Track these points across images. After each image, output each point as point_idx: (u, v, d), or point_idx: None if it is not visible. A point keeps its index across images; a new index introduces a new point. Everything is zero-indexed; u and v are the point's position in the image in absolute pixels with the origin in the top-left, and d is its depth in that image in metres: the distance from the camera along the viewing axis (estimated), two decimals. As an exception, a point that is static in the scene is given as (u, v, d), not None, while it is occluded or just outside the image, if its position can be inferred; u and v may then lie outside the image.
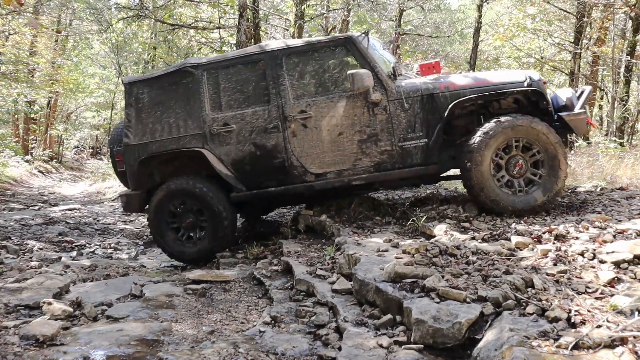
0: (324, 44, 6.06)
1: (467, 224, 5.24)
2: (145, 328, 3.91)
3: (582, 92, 5.92)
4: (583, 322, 2.86)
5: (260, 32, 12.91)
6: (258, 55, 6.12)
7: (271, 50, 6.10)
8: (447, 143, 5.93)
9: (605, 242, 4.22)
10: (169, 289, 5.02)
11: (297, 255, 5.43)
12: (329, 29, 15.25)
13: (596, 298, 3.26)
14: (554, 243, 4.34)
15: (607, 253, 3.91)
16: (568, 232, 4.59)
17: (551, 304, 3.11)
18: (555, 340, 2.69)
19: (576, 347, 2.60)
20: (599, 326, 2.77)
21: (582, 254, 4.00)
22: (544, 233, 4.61)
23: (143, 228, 9.90)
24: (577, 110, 5.68)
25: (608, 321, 2.82)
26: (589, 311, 2.99)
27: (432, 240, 4.75)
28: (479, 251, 4.29)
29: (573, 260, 3.93)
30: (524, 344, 2.67)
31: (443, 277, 3.69)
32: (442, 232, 5.02)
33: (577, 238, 4.45)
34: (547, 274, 3.67)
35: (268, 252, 6.06)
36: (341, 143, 5.93)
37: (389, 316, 3.55)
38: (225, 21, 15.01)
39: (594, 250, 4.02)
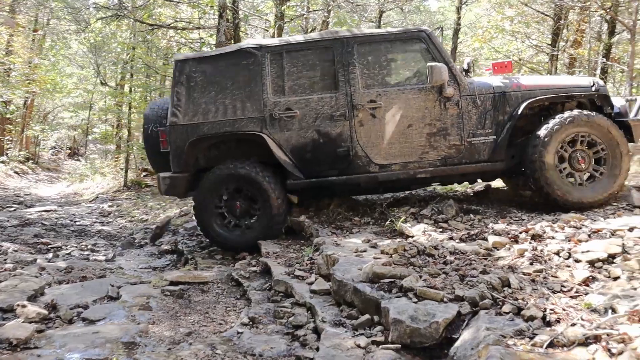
0: (398, 35, 6.09)
1: (445, 225, 5.28)
2: (122, 330, 3.86)
3: (635, 100, 6.16)
4: (558, 321, 2.89)
5: (240, 33, 12.87)
6: (328, 42, 6.07)
7: (343, 37, 6.06)
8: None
9: (580, 241, 4.27)
10: (146, 290, 4.97)
11: (275, 256, 5.41)
12: (309, 30, 15.24)
13: (571, 297, 3.29)
14: (530, 243, 4.39)
15: (582, 252, 3.97)
16: (544, 232, 4.64)
17: (527, 303, 3.13)
18: (531, 338, 2.71)
19: (551, 345, 2.62)
20: (573, 324, 2.80)
21: (557, 254, 4.05)
22: (520, 233, 4.66)
23: (121, 229, 9.82)
24: (635, 117, 5.93)
25: (582, 319, 2.85)
26: (563, 310, 3.02)
27: (410, 240, 4.76)
28: (457, 251, 4.32)
29: (549, 259, 3.98)
30: (500, 343, 2.68)
31: (421, 277, 3.70)
32: (420, 233, 5.04)
33: (553, 238, 4.51)
34: (524, 274, 3.70)
35: (247, 253, 6.03)
36: (409, 135, 5.94)
37: (367, 316, 3.56)
38: (205, 22, 14.93)
39: (570, 249, 4.07)
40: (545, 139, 5.61)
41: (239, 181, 6.01)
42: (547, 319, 2.93)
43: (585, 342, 2.60)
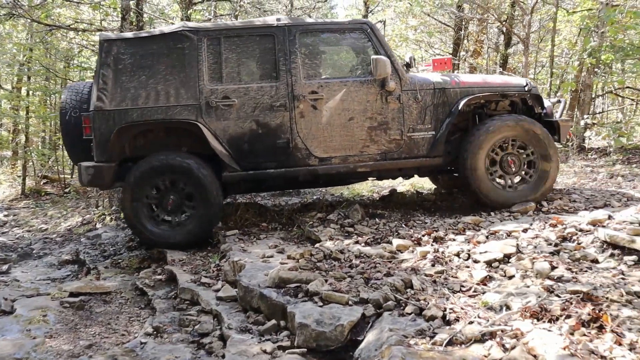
0: (341, 26, 6.02)
1: (351, 229, 5.35)
2: (15, 346, 3.66)
3: (558, 102, 6.47)
4: (457, 319, 2.99)
5: (145, 36, 12.55)
6: (270, 28, 5.84)
7: (285, 25, 5.86)
8: None
9: (479, 242, 4.45)
10: (43, 303, 4.73)
11: (181, 263, 5.31)
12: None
13: (470, 296, 3.42)
14: (432, 245, 4.53)
15: (481, 253, 4.14)
16: (446, 234, 4.81)
17: (428, 304, 3.23)
18: (431, 337, 2.80)
19: (450, 343, 2.71)
20: (471, 322, 2.91)
21: (458, 255, 4.20)
22: (423, 236, 4.80)
23: (18, 240, 9.31)
24: (562, 118, 6.19)
25: (479, 317, 2.97)
26: (462, 309, 3.13)
27: (317, 245, 4.80)
28: (362, 255, 4.40)
29: (450, 260, 4.12)
30: (402, 343, 2.75)
31: (326, 281, 3.74)
32: (327, 237, 5.09)
33: (454, 240, 4.68)
34: (426, 275, 3.82)
35: (152, 261, 5.87)
36: (350, 128, 5.87)
37: (273, 322, 3.55)
38: (108, 24, 14.45)
39: (469, 250, 4.24)
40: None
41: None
42: (447, 318, 3.03)
43: (481, 339, 2.71)
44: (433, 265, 4.03)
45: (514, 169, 5.93)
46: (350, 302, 3.41)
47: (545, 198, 5.93)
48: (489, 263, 3.98)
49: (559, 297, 3.16)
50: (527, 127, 5.87)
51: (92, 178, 5.81)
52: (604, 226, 4.61)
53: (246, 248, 5.10)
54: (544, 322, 2.81)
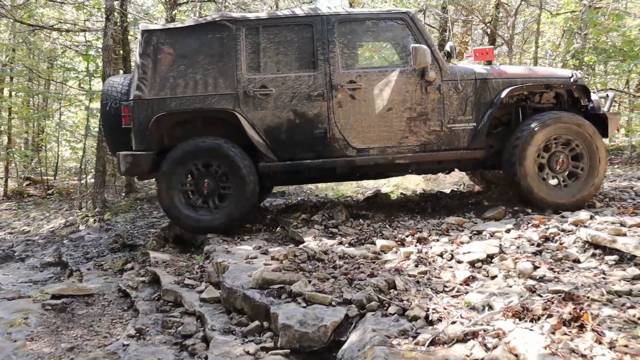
0: (381, 16, 5.96)
1: (335, 230, 5.35)
2: (-4, 348, 3.62)
3: (607, 96, 6.32)
4: (440, 320, 3.00)
5: (129, 37, 12.50)
6: (308, 18, 5.82)
7: (324, 15, 5.83)
8: None
9: (462, 243, 4.48)
10: (25, 305, 4.69)
11: (165, 265, 5.28)
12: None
13: (453, 296, 3.43)
14: (416, 246, 4.54)
15: (464, 253, 4.16)
16: (429, 235, 4.82)
17: (411, 304, 3.23)
18: (414, 337, 2.80)
19: (433, 343, 2.71)
20: (453, 322, 2.92)
21: (441, 255, 4.22)
22: (407, 236, 4.82)
23: (-1, 242, 9.21)
24: (610, 111, 6.02)
25: (462, 317, 2.98)
26: (445, 309, 3.14)
27: (301, 246, 4.79)
28: (346, 255, 4.39)
29: (433, 261, 4.14)
30: (385, 343, 2.75)
31: (310, 282, 3.73)
32: (311, 238, 5.08)
33: (437, 240, 4.70)
34: (409, 275, 3.82)
35: (135, 263, 5.84)
36: (389, 119, 5.78)
37: (257, 323, 3.53)
38: (92, 24, 14.37)
39: (452, 251, 4.25)
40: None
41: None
42: (430, 318, 3.03)
43: (464, 339, 2.71)
44: (416, 266, 4.03)
45: (562, 168, 5.74)
46: (333, 303, 3.40)
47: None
48: (472, 263, 4.00)
49: (541, 296, 3.19)
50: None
51: (130, 166, 5.77)
52: (586, 226, 4.66)
53: (230, 249, 5.08)
54: (525, 321, 2.83)
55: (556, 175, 5.75)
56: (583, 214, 5.00)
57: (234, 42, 5.74)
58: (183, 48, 5.78)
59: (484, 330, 2.75)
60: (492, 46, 6.49)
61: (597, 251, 4.15)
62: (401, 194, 7.47)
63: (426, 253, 4.29)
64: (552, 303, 3.00)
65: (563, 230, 4.71)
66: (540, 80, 6.01)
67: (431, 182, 7.74)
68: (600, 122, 5.87)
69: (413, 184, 7.85)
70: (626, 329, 2.73)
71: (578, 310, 2.85)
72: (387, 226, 5.29)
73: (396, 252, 4.44)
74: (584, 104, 6.04)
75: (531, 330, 2.69)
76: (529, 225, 4.97)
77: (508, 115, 6.13)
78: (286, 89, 5.71)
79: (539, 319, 2.83)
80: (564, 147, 5.72)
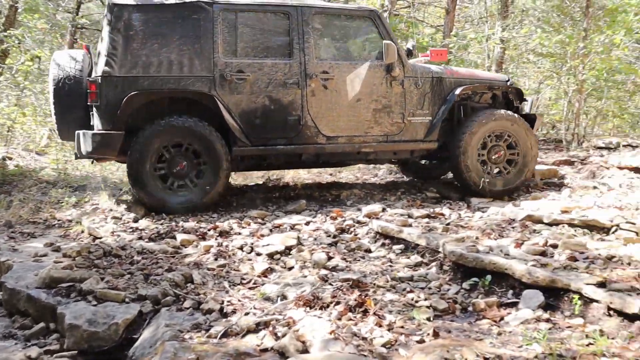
0: (351, 11, 6.33)
1: (135, 224, 5.17)
2: None
3: (527, 100, 7.02)
4: (234, 312, 3.02)
5: None
6: (287, 7, 5.94)
7: (301, 5, 5.97)
8: None
9: (262, 236, 4.56)
10: None
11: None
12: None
13: (249, 288, 3.48)
14: (216, 239, 4.54)
15: (263, 246, 4.25)
16: (232, 229, 4.85)
17: (207, 297, 3.22)
18: (207, 330, 2.79)
19: (225, 335, 2.72)
20: (247, 314, 2.95)
21: (241, 248, 4.26)
22: (209, 230, 4.80)
23: None
24: (537, 112, 6.70)
25: (255, 308, 3.03)
26: (239, 301, 3.17)
27: (97, 241, 4.55)
28: (145, 250, 4.27)
29: (233, 254, 4.17)
30: (176, 338, 2.71)
31: (103, 279, 3.56)
32: (109, 233, 4.86)
33: (239, 233, 4.74)
34: (208, 269, 3.81)
35: None
36: (357, 109, 6.07)
37: (42, 325, 3.29)
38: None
39: (252, 244, 4.32)
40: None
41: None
42: (225, 311, 3.04)
43: (256, 329, 2.75)
44: (216, 259, 4.03)
45: (501, 158, 6.36)
46: (127, 300, 3.28)
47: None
48: (270, 255, 4.09)
49: (332, 285, 3.35)
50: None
51: (98, 146, 5.47)
52: (377, 218, 4.98)
53: (17, 247, 4.66)
54: (315, 309, 2.95)
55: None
56: (377, 207, 5.33)
57: (211, 25, 5.70)
58: (157, 26, 5.62)
59: (276, 320, 2.81)
60: (445, 48, 7.33)
61: (387, 241, 4.47)
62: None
63: (226, 246, 4.31)
64: (341, 291, 3.17)
65: (358, 222, 5.00)
66: (485, 82, 6.74)
67: (239, 176, 7.78)
68: (530, 121, 6.57)
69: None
70: (404, 312, 2.97)
71: (363, 297, 3.04)
72: (190, 220, 5.21)
73: (197, 246, 4.40)
74: (515, 105, 6.73)
75: (320, 317, 2.81)
76: (327, 217, 5.20)
77: (451, 111, 6.60)
78: (262, 74, 5.81)
79: (328, 306, 2.97)
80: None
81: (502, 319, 2.90)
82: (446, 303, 3.11)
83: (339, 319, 2.78)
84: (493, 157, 6.34)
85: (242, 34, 5.84)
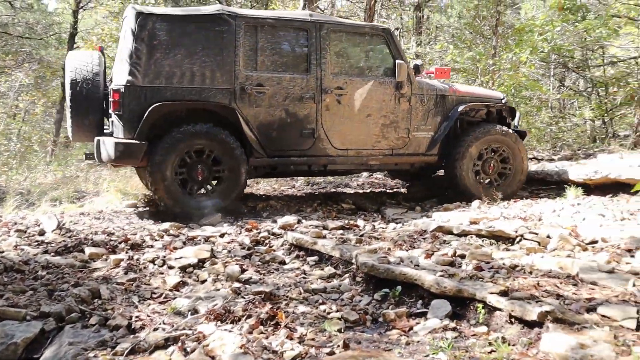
0: (366, 29, 6.52)
1: (41, 237, 4.94)
2: None
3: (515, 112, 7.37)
4: (143, 327, 2.94)
5: None
6: (305, 23, 6.13)
7: (319, 22, 6.17)
8: None
9: (176, 248, 4.48)
10: None
11: None
12: None
13: (160, 302, 3.40)
14: (127, 252, 4.41)
15: (176, 259, 4.16)
16: (144, 241, 4.73)
17: (114, 313, 3.12)
18: (113, 348, 2.69)
19: (132, 352, 2.64)
20: (156, 329, 2.88)
21: (153, 262, 4.16)
22: (120, 243, 4.66)
23: None
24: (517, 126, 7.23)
25: (165, 323, 2.96)
26: (148, 316, 3.09)
27: (-1, 256, 4.33)
28: (50, 265, 4.08)
29: (144, 268, 4.06)
30: (80, 356, 2.60)
31: (2, 296, 3.38)
32: (12, 247, 4.62)
33: (152, 246, 4.63)
34: (117, 283, 3.69)
35: None
36: (367, 124, 6.38)
37: None
38: None
39: (165, 257, 4.23)
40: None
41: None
42: (133, 327, 2.95)
43: (165, 345, 2.68)
44: (126, 273, 3.92)
45: (494, 170, 6.81)
46: (28, 317, 3.12)
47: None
48: (183, 268, 4.01)
49: (244, 298, 3.32)
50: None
51: (122, 155, 5.56)
52: (293, 230, 4.99)
53: None
54: (227, 323, 2.92)
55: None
56: (292, 218, 5.34)
57: (233, 37, 5.84)
58: (181, 37, 5.72)
59: (186, 335, 2.76)
60: (449, 67, 7.69)
61: (301, 253, 4.48)
62: (122, 199, 7.20)
63: (138, 260, 4.19)
64: (253, 304, 3.15)
65: (273, 234, 4.99)
66: (484, 99, 7.07)
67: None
68: (521, 136, 7.02)
69: (134, 189, 7.64)
70: (316, 324, 2.98)
71: (275, 309, 3.03)
72: (100, 233, 5.04)
73: (106, 260, 4.26)
74: (508, 121, 7.09)
75: (230, 331, 2.78)
76: (243, 229, 5.16)
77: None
78: (281, 88, 6.01)
79: (239, 320, 2.95)
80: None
81: (411, 328, 2.95)
82: (357, 314, 3.15)
83: (250, 333, 2.76)
84: (487, 169, 6.77)
85: (262, 48, 6.03)
